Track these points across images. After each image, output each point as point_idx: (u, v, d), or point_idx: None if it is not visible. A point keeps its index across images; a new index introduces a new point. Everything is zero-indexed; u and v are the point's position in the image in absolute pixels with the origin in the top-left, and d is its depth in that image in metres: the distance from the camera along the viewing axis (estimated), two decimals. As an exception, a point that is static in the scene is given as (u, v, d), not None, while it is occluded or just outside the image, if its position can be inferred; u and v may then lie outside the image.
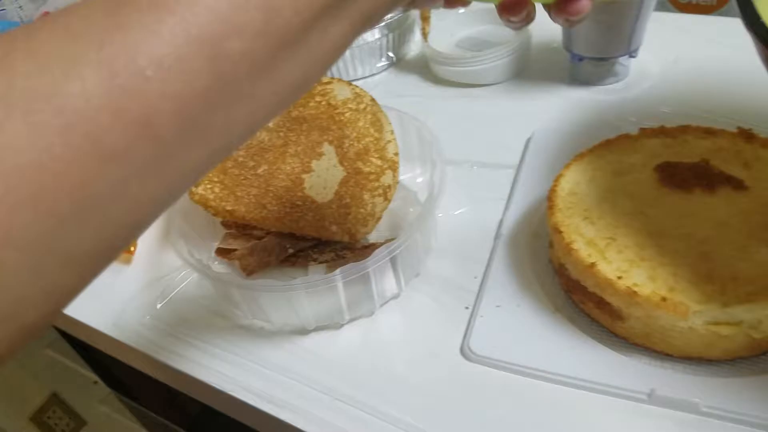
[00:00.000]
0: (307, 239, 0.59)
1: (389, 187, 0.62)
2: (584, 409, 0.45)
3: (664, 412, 0.44)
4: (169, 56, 0.24)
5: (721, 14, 0.96)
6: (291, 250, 0.59)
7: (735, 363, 0.45)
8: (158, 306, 0.59)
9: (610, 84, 0.74)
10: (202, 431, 0.99)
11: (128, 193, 0.25)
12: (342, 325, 0.55)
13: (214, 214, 0.57)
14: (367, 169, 0.62)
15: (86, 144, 0.23)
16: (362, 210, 0.59)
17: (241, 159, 0.62)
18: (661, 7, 1.01)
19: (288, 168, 0.61)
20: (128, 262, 0.64)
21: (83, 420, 1.20)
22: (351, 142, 0.64)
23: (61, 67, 0.23)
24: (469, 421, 0.46)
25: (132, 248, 0.65)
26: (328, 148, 0.64)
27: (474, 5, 0.86)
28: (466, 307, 0.54)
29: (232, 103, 0.27)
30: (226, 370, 0.52)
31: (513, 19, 0.41)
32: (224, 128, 0.27)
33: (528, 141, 0.68)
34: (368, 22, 0.31)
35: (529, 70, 0.80)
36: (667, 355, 0.46)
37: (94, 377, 0.99)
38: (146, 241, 0.66)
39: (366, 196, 0.60)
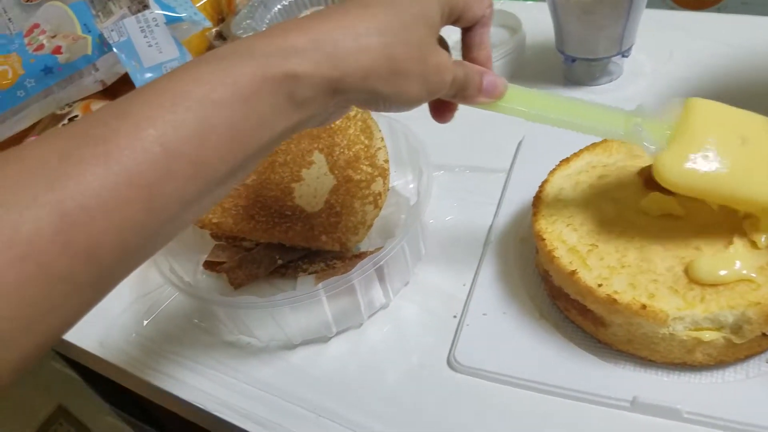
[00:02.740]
0: (296, 250, 0.60)
1: (380, 194, 0.62)
2: (568, 418, 0.45)
3: (646, 419, 0.44)
4: (112, 198, 0.28)
5: (717, 10, 0.95)
6: (280, 261, 0.59)
7: (718, 368, 0.45)
8: (144, 323, 0.59)
9: (604, 84, 0.74)
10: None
11: (68, 305, 0.29)
12: (330, 339, 0.55)
13: (201, 227, 0.58)
14: (357, 177, 0.62)
15: (37, 271, 0.27)
16: (353, 218, 0.59)
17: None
18: (661, 3, 1.00)
19: (277, 178, 0.62)
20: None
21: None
22: (341, 150, 0.64)
23: (17, 205, 0.27)
24: None
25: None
26: (318, 157, 0.64)
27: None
28: (454, 316, 0.54)
29: (165, 228, 0.32)
30: (211, 388, 0.53)
31: (447, 119, 0.47)
32: (157, 246, 0.33)
33: (519, 144, 0.68)
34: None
35: (524, 72, 0.79)
36: (651, 361, 0.46)
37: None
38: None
39: (356, 204, 0.60)
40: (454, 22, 0.42)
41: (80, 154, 0.28)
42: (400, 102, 0.38)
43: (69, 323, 0.30)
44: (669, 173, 0.43)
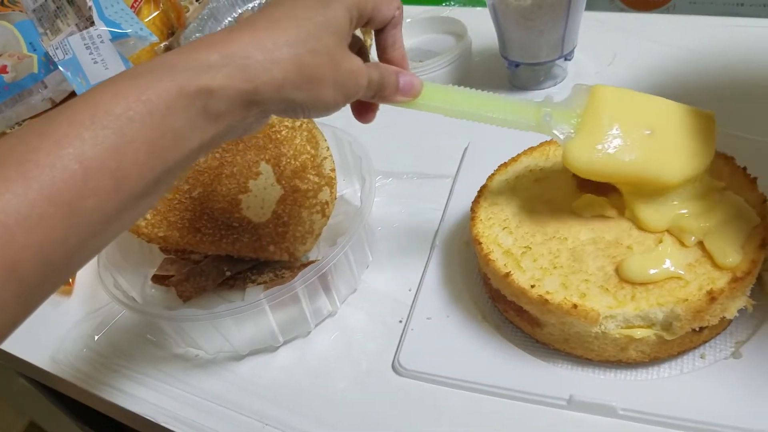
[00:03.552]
0: (245, 261, 0.60)
1: (327, 203, 0.62)
2: (508, 417, 0.46)
3: (583, 416, 0.45)
4: (31, 214, 0.29)
5: (666, 10, 0.97)
6: (228, 273, 0.59)
7: (653, 365, 0.46)
8: (96, 338, 0.59)
9: (549, 87, 0.75)
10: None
11: None
12: (277, 348, 0.55)
13: (148, 242, 0.58)
14: (304, 187, 0.62)
15: None
16: (300, 228, 0.60)
17: (175, 183, 0.62)
18: (609, 5, 1.02)
19: (224, 189, 0.62)
20: (68, 293, 0.64)
21: (63, 448, 1.19)
22: (288, 160, 0.64)
23: None
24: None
25: (71, 280, 0.65)
26: (265, 167, 0.64)
27: (418, 14, 0.86)
28: (400, 321, 0.54)
29: (88, 243, 0.32)
30: (160, 400, 0.53)
31: (369, 119, 0.48)
32: (82, 260, 0.33)
33: (465, 150, 0.68)
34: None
35: (471, 77, 0.80)
36: (587, 359, 0.47)
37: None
38: (86, 272, 0.66)
39: (304, 214, 0.61)
40: (365, 25, 0.43)
41: (1, 174, 0.29)
42: (318, 108, 0.39)
43: None
44: (577, 160, 0.46)
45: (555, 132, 0.47)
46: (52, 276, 0.31)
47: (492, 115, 0.47)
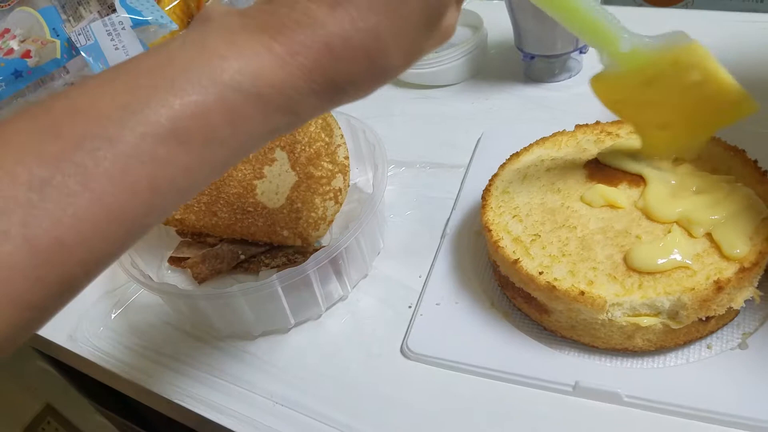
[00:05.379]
0: (259, 245, 0.61)
1: (340, 190, 0.63)
2: (514, 402, 0.47)
3: (588, 403, 0.45)
4: (91, 233, 0.27)
5: (685, 6, 0.97)
6: (243, 256, 0.60)
7: (659, 354, 0.47)
8: (113, 316, 0.60)
9: (563, 80, 0.75)
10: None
11: (32, 328, 0.28)
12: (289, 330, 0.56)
13: (165, 224, 0.59)
14: (318, 174, 0.63)
15: (6, 300, 0.26)
16: (313, 214, 0.61)
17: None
18: (629, 0, 1.01)
19: (240, 175, 0.63)
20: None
21: (79, 431, 1.21)
22: (302, 147, 0.65)
23: None
24: (405, 418, 0.47)
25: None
26: (280, 154, 0.65)
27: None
28: (409, 306, 0.55)
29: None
30: (173, 378, 0.54)
31: None
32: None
33: (478, 141, 0.69)
34: None
35: (486, 69, 0.81)
36: (593, 347, 0.47)
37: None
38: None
39: (317, 200, 0.61)
40: None
41: (50, 188, 0.27)
42: None
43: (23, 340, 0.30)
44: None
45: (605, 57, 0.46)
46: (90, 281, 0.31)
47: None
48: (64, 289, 0.28)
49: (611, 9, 0.82)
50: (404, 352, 0.52)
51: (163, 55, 0.30)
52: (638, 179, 0.50)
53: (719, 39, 0.76)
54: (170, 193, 0.30)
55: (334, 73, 0.31)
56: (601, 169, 0.52)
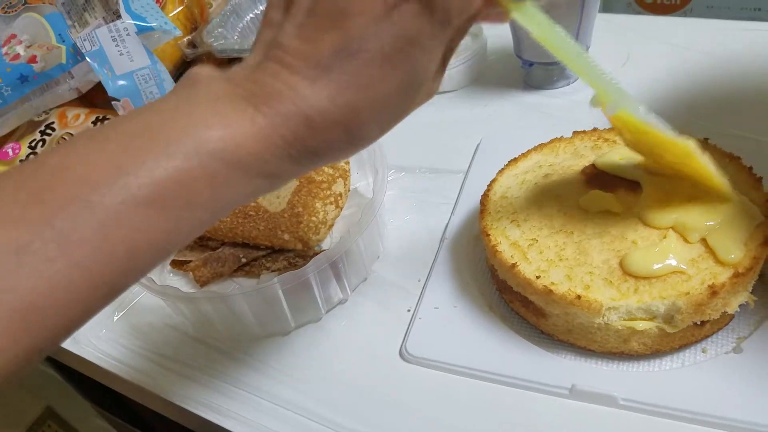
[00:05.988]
0: (260, 248, 0.62)
1: (340, 195, 0.64)
2: (511, 405, 0.47)
3: (584, 406, 0.46)
4: (69, 296, 0.28)
5: (683, 14, 0.98)
6: (244, 260, 0.61)
7: (655, 357, 0.47)
8: (115, 318, 0.61)
9: (562, 87, 0.76)
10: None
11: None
12: (289, 332, 0.57)
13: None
14: (319, 178, 0.64)
15: None
16: (314, 218, 0.62)
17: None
18: (626, 8, 1.02)
19: (242, 180, 0.64)
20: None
21: (79, 434, 1.21)
22: (304, 153, 0.66)
23: None
24: (404, 420, 0.48)
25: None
26: (282, 160, 0.66)
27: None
28: (408, 310, 0.56)
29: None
30: (174, 380, 0.55)
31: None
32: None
33: (477, 147, 0.70)
34: None
35: (485, 76, 0.82)
36: (589, 350, 0.48)
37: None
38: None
39: (318, 205, 0.62)
40: None
41: (29, 256, 0.27)
42: None
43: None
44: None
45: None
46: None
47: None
48: (33, 356, 0.28)
49: (611, 16, 0.83)
50: (403, 355, 0.52)
51: (143, 122, 0.31)
52: (635, 185, 0.51)
53: (716, 46, 0.77)
54: (148, 255, 0.30)
55: (312, 143, 0.32)
56: (598, 175, 0.53)
